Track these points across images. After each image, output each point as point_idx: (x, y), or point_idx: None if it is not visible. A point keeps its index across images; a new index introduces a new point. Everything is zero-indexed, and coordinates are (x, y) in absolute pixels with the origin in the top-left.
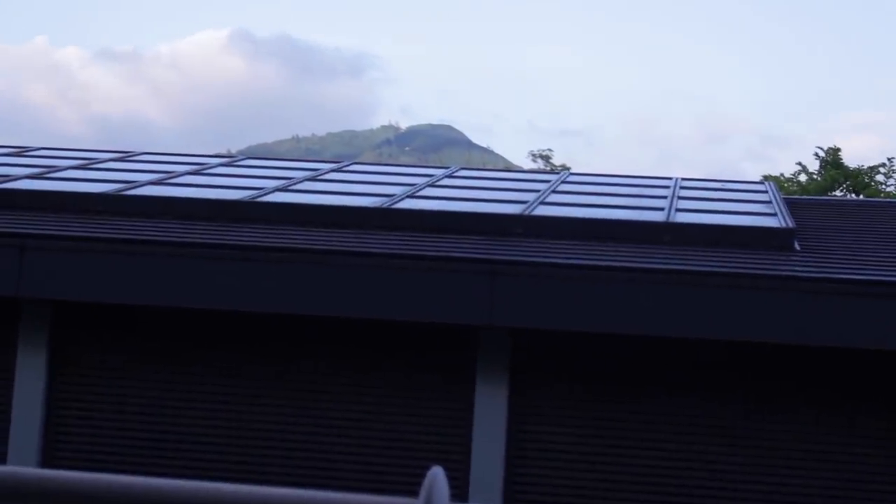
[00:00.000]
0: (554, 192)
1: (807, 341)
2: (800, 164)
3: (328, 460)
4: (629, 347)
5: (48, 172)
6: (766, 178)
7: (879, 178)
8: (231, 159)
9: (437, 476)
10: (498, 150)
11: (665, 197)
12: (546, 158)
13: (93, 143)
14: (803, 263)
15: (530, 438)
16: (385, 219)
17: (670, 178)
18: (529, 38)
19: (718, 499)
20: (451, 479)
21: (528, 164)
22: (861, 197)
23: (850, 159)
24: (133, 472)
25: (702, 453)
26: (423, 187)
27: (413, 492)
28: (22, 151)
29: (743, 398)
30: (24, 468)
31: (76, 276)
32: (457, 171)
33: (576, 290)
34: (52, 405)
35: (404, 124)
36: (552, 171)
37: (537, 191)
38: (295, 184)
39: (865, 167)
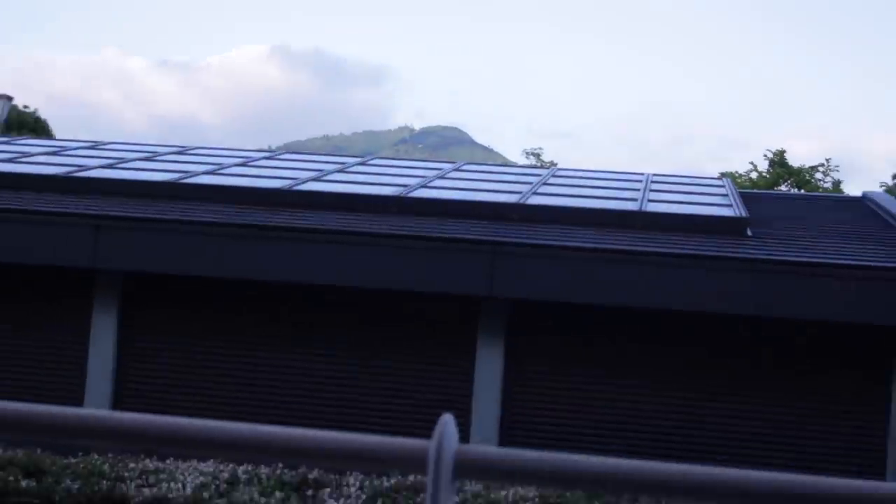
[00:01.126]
0: (545, 184)
1: (756, 312)
2: (752, 163)
3: (353, 409)
4: (606, 315)
5: (118, 163)
6: (724, 174)
7: (818, 175)
8: (272, 153)
9: (447, 422)
10: (498, 148)
11: (638, 189)
12: (537, 156)
13: (154, 138)
14: (754, 247)
15: (522, 391)
16: (402, 205)
17: (643, 174)
18: (531, 48)
19: (671, 440)
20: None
21: (523, 161)
22: (802, 191)
23: (794, 160)
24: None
25: (656, 402)
26: (434, 179)
27: (426, 436)
28: (96, 145)
29: (694, 357)
30: (94, 410)
31: (142, 250)
32: (462, 165)
33: (563, 268)
34: (121, 359)
35: (418, 126)
36: (543, 167)
37: (530, 183)
38: (326, 175)
39: (807, 167)
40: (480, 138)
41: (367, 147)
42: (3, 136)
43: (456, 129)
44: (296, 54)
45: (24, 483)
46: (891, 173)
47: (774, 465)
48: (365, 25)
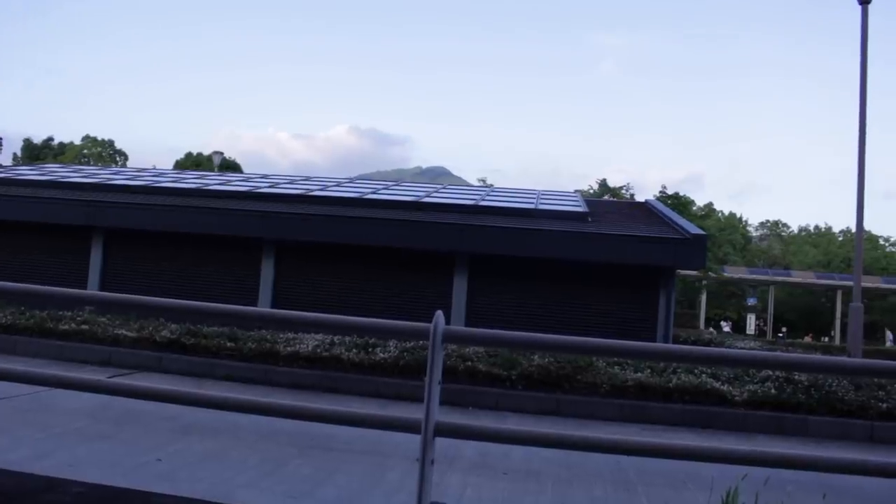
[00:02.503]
0: (488, 195)
1: (592, 259)
2: (590, 185)
3: (388, 313)
4: (518, 262)
5: (274, 185)
6: (576, 190)
7: (623, 191)
8: (350, 180)
9: (439, 314)
10: (463, 176)
11: (535, 197)
12: (484, 180)
13: (293, 173)
14: (593, 227)
15: (475, 300)
16: (418, 206)
17: (536, 190)
18: (488, 120)
19: (551, 324)
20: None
21: (477, 183)
22: (615, 199)
23: (611, 183)
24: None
25: (541, 304)
26: (433, 192)
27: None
28: (263, 176)
29: (559, 280)
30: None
31: (286, 228)
32: (446, 186)
33: (497, 237)
34: (277, 284)
35: (424, 166)
36: (489, 186)
37: (481, 194)
38: (378, 191)
39: (617, 187)
40: (457, 172)
41: (398, 176)
42: (218, 174)
43: (442, 167)
44: (362, 130)
45: (228, 344)
46: (658, 191)
47: (601, 335)
48: (397, 114)
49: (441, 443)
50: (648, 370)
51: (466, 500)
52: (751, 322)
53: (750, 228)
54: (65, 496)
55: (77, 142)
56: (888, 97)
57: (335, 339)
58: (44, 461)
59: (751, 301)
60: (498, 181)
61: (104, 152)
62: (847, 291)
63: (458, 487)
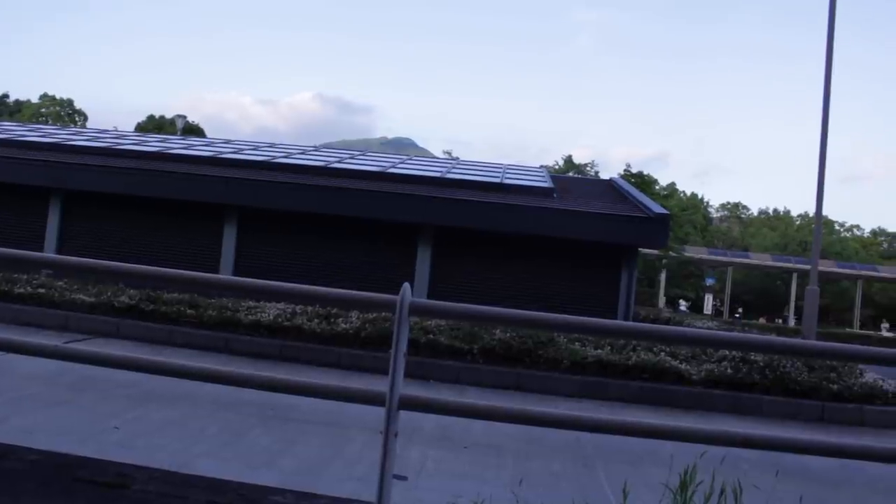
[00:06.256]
0: (454, 167)
1: (552, 234)
2: (556, 161)
3: (354, 284)
4: (480, 235)
5: (238, 151)
6: (542, 166)
7: (588, 168)
8: (315, 148)
9: (406, 286)
10: (429, 148)
11: (500, 171)
12: (449, 153)
13: (255, 139)
14: (558, 203)
15: (441, 273)
16: (383, 176)
17: (502, 164)
18: (455, 91)
19: (510, 299)
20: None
21: (442, 155)
22: (580, 176)
23: (576, 160)
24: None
25: (507, 285)
26: (399, 163)
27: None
28: (226, 141)
29: (522, 255)
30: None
31: (249, 195)
32: (411, 157)
33: (462, 210)
34: (238, 251)
35: (389, 136)
36: (453, 159)
37: (446, 167)
38: (343, 160)
39: (583, 164)
40: (422, 144)
41: (363, 146)
42: (181, 138)
43: (408, 137)
44: (326, 98)
45: (188, 311)
46: (623, 168)
47: (563, 311)
48: (363, 83)
49: (401, 415)
50: (608, 347)
51: (427, 474)
52: (708, 302)
53: (711, 209)
54: (20, 463)
55: (35, 100)
56: (847, 83)
57: (297, 308)
58: None
59: (709, 281)
60: (464, 153)
61: (63, 111)
62: (802, 274)
63: (418, 461)
